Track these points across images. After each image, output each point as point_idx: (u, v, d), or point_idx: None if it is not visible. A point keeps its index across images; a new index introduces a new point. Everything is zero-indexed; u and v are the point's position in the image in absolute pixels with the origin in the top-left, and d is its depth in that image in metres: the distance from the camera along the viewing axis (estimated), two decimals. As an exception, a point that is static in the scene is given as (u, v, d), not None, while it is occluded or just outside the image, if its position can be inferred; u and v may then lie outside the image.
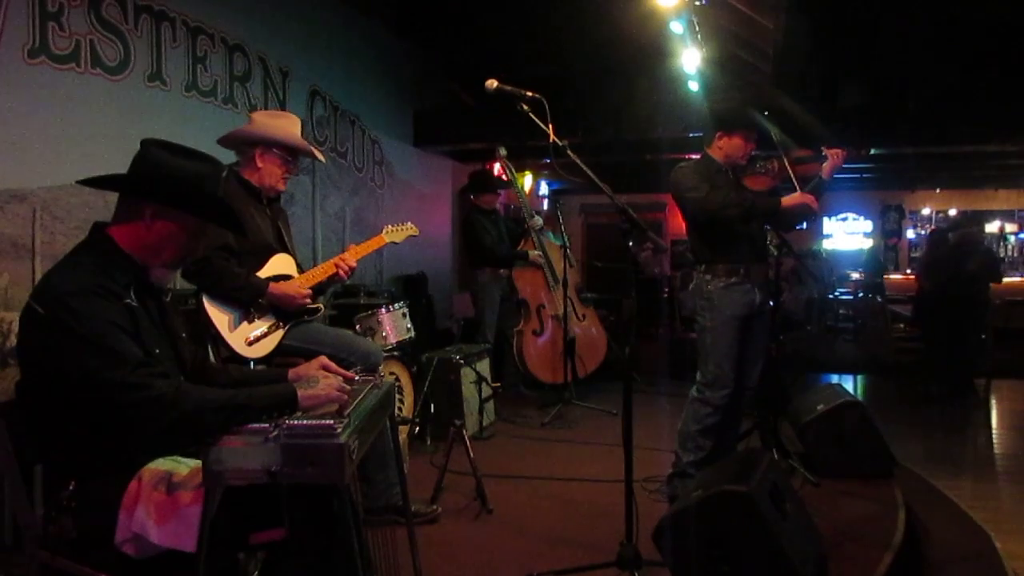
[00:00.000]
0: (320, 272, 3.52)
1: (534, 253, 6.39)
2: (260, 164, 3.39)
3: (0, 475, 2.02)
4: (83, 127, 4.03)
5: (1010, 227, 14.19)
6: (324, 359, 2.40)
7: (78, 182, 2.17)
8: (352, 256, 3.59)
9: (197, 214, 2.13)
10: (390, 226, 3.84)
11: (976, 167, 11.36)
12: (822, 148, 3.97)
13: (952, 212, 14.62)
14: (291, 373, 2.36)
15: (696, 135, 8.10)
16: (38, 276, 3.72)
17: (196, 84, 4.90)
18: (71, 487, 1.94)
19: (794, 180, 3.85)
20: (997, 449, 5.76)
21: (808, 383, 7.36)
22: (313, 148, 3.64)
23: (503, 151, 6.38)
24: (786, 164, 3.90)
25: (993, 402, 7.58)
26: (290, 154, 3.45)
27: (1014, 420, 7.05)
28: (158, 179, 2.07)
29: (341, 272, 3.54)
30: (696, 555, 2.91)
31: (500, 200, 6.86)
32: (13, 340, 3.59)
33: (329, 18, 6.60)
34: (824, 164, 3.92)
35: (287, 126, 3.47)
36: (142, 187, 2.08)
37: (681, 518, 2.97)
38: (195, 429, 1.91)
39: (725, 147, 3.91)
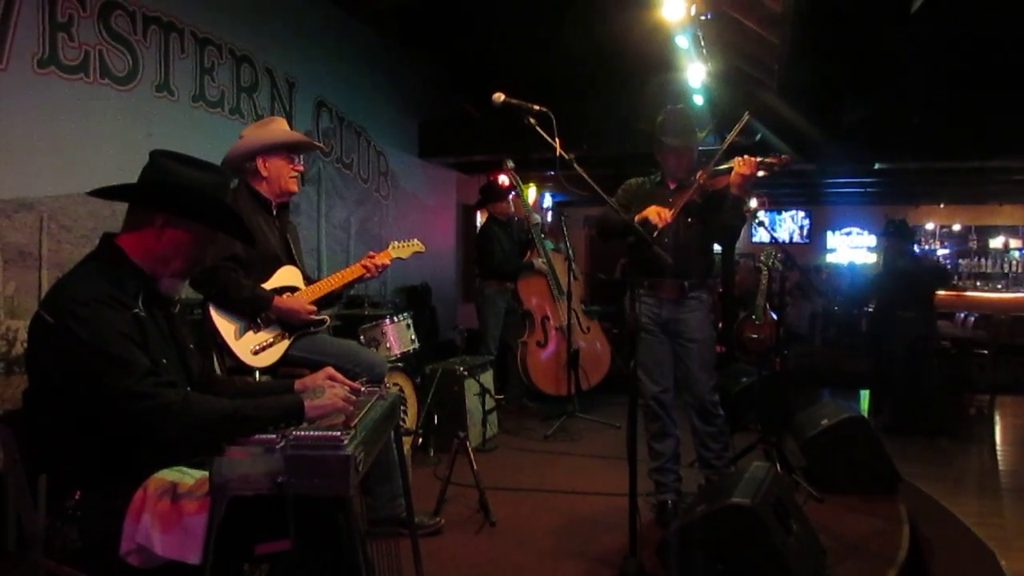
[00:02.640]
0: (330, 283, 3.53)
1: (539, 261, 6.41)
2: (265, 172, 3.40)
3: (6, 483, 2.02)
4: (91, 136, 4.05)
5: (1014, 242, 14.19)
6: (331, 370, 2.40)
7: (88, 193, 2.18)
8: (382, 259, 3.63)
9: (208, 223, 2.14)
10: (396, 242, 3.85)
11: (980, 182, 11.36)
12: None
13: (956, 227, 14.62)
14: (297, 384, 2.36)
15: (701, 148, 8.10)
16: (45, 285, 3.74)
17: (203, 95, 4.92)
18: (76, 496, 1.95)
19: (684, 200, 3.65)
20: (1002, 466, 5.75)
21: (813, 398, 7.36)
22: (310, 140, 3.63)
23: (510, 163, 6.42)
24: (700, 179, 3.71)
25: (997, 418, 7.55)
26: (291, 151, 3.46)
27: (1018, 436, 7.03)
28: (169, 188, 2.08)
29: (370, 274, 3.59)
30: (700, 569, 2.90)
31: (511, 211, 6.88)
32: (20, 348, 3.61)
33: (336, 30, 6.63)
34: (731, 177, 3.66)
35: (277, 128, 3.49)
36: (153, 197, 2.09)
37: (685, 532, 2.97)
38: (202, 439, 1.92)
39: (660, 161, 3.96)
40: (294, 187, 3.50)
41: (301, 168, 3.53)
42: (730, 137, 3.70)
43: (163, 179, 2.09)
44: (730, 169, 3.66)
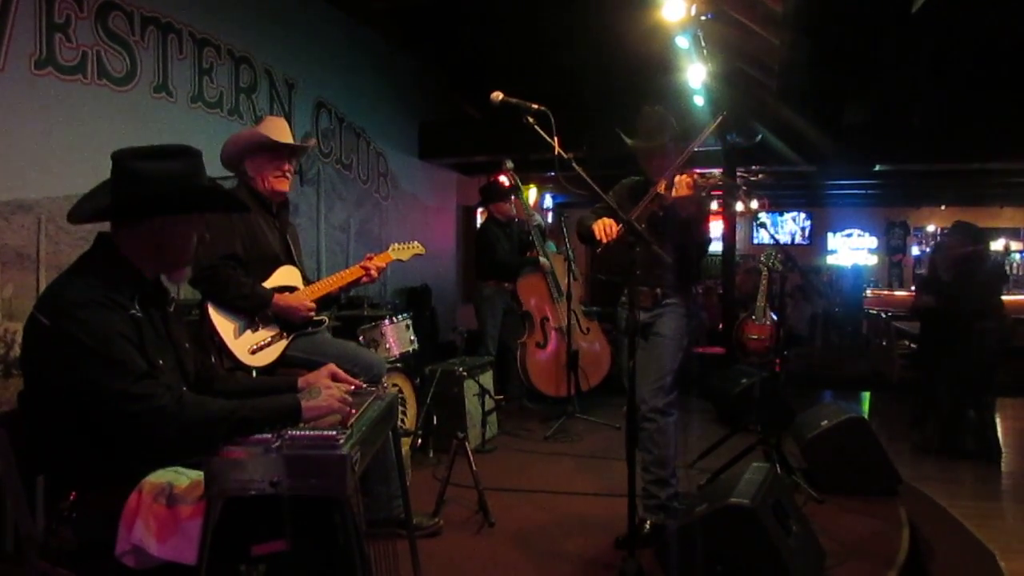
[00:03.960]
0: (328, 284, 3.53)
1: (543, 260, 6.41)
2: (252, 172, 3.40)
3: (2, 485, 2.02)
4: (89, 138, 4.04)
5: (1015, 245, 14.18)
6: (333, 367, 2.40)
7: (69, 220, 2.13)
8: (380, 261, 3.63)
9: (196, 211, 2.14)
10: (396, 244, 3.85)
11: (981, 184, 11.36)
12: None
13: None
14: (301, 380, 2.37)
15: (702, 149, 8.10)
16: (43, 287, 3.73)
17: (202, 95, 4.92)
18: (72, 498, 1.94)
19: (641, 210, 3.41)
20: (1002, 467, 5.72)
21: (813, 399, 7.35)
22: (292, 138, 3.51)
23: (510, 164, 6.42)
24: (659, 189, 3.50)
25: (998, 420, 7.52)
26: (273, 150, 3.41)
27: (1019, 438, 7.02)
28: (148, 193, 2.03)
29: (368, 277, 3.58)
30: (699, 570, 2.89)
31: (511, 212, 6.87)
32: (18, 351, 3.60)
33: (335, 31, 6.63)
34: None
35: (263, 127, 3.46)
36: (136, 208, 2.04)
37: (684, 533, 2.96)
38: (197, 440, 1.91)
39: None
40: (278, 187, 3.44)
41: (285, 168, 3.46)
42: (684, 156, 3.52)
43: (136, 188, 2.02)
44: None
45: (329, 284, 3.54)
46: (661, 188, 3.48)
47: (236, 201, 2.33)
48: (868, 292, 12.51)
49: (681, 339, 3.71)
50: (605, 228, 3.38)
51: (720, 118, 3.64)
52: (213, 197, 2.20)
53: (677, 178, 3.43)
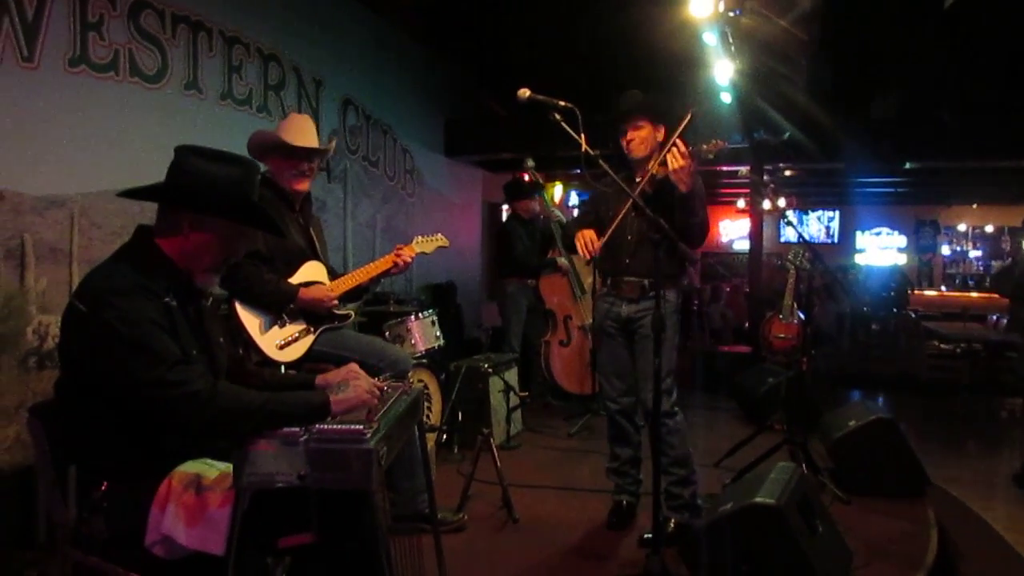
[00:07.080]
0: (355, 278, 3.55)
1: (561, 260, 6.40)
2: (273, 170, 3.44)
3: (36, 475, 2.05)
4: (121, 134, 4.10)
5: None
6: (354, 365, 2.41)
7: (118, 194, 2.21)
8: (409, 252, 3.64)
9: (235, 220, 2.16)
10: (420, 237, 3.86)
11: (1014, 182, 11.16)
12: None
13: (989, 228, 14.38)
14: (320, 380, 2.37)
15: (730, 146, 8.05)
16: (75, 281, 3.78)
17: (231, 92, 4.96)
18: (103, 488, 1.97)
19: (628, 206, 3.35)
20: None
21: (840, 399, 7.28)
22: (314, 136, 3.50)
23: (530, 162, 6.40)
24: (653, 169, 3.38)
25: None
26: (286, 152, 3.42)
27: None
28: (195, 188, 2.09)
29: (396, 268, 3.61)
30: (724, 569, 2.88)
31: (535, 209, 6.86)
32: (51, 343, 3.65)
33: (362, 29, 6.66)
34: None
35: (283, 127, 3.47)
36: (180, 197, 2.11)
37: (709, 532, 2.94)
38: (228, 430, 1.94)
39: None
40: (295, 186, 3.44)
41: (303, 167, 3.44)
42: (676, 134, 3.34)
43: (189, 179, 2.10)
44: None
45: (356, 277, 3.56)
46: (654, 168, 3.38)
47: (272, 224, 2.35)
48: (911, 292, 12.28)
49: (673, 337, 3.61)
50: (587, 243, 3.37)
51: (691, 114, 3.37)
52: (250, 210, 2.21)
53: (670, 153, 3.27)
